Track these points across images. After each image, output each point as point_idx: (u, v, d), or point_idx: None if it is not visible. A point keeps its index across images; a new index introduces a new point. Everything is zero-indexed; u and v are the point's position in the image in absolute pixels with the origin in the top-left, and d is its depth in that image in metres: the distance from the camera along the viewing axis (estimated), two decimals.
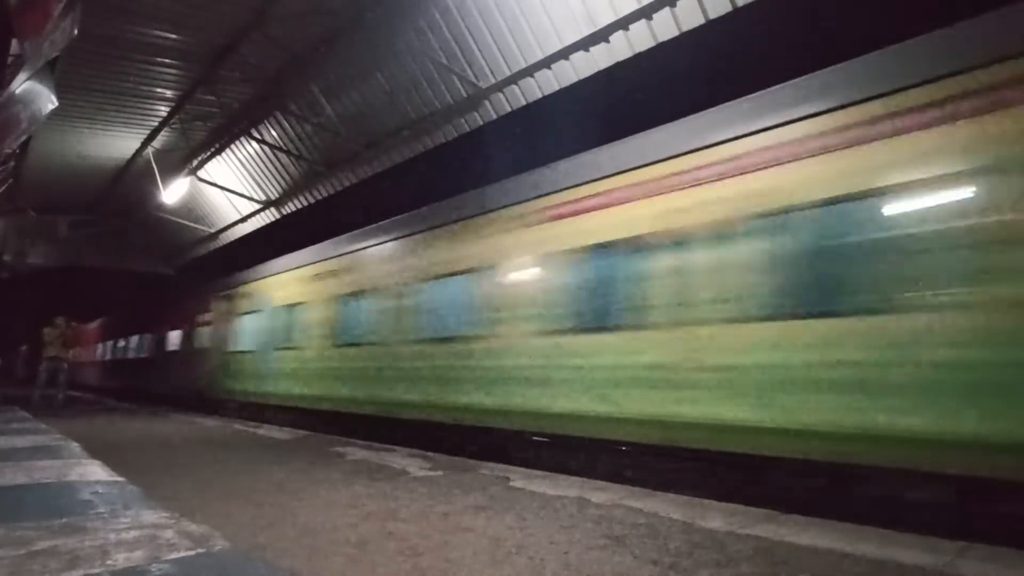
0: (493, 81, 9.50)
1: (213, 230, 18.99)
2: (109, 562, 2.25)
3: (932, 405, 3.75)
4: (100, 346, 24.10)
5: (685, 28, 7.58)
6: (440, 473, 4.98)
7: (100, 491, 3.65)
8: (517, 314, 6.48)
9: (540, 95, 9.41)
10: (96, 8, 8.28)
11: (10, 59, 5.23)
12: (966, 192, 3.81)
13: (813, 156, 4.46)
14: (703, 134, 5.18)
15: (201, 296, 14.10)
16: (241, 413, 11.89)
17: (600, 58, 8.42)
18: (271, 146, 13.74)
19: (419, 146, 11.77)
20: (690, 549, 2.83)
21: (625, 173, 5.70)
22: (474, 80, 9.64)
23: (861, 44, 4.46)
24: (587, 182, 6.04)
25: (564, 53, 8.54)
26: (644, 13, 7.60)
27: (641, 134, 5.83)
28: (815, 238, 4.42)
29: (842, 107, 4.36)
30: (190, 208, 17.77)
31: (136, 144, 14.06)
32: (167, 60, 10.60)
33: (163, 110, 12.51)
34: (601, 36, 8.10)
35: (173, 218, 17.68)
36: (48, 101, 4.91)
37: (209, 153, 14.51)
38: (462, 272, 7.28)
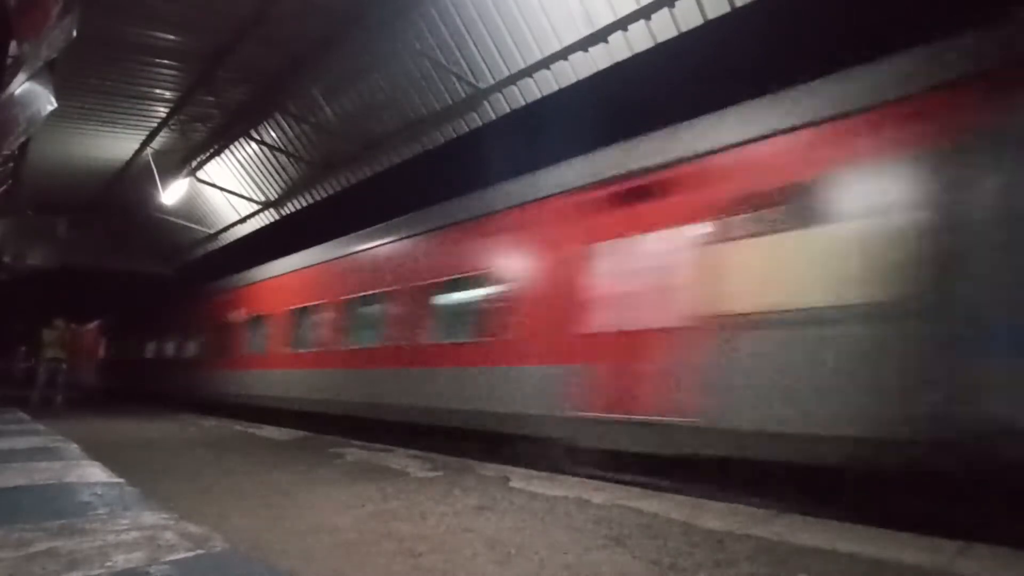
0: (492, 82, 9.49)
1: (212, 231, 18.99)
2: (108, 563, 2.25)
3: None
4: None
5: (684, 28, 7.59)
6: (440, 474, 4.98)
7: (99, 492, 3.64)
8: None
9: (539, 95, 9.41)
10: (95, 9, 8.26)
11: (9, 60, 5.22)
12: None
13: None
14: None
15: None
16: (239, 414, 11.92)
17: (599, 58, 8.42)
18: (270, 147, 13.73)
19: (418, 147, 11.77)
20: (690, 549, 2.83)
21: None
22: (473, 81, 9.64)
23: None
24: None
25: (563, 54, 8.54)
26: (643, 13, 7.60)
27: None
28: None
29: None
30: (189, 209, 17.76)
31: (135, 145, 14.05)
32: (166, 61, 10.59)
33: (162, 111, 12.50)
34: (600, 36, 8.09)
35: (172, 219, 17.66)
36: (47, 102, 4.91)
37: (208, 154, 14.50)
38: None
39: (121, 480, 4.09)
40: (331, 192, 14.55)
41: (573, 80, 8.89)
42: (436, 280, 7.63)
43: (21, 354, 32.57)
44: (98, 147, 14.09)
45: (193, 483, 4.54)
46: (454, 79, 9.84)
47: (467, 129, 10.78)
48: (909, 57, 4.16)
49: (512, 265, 6.63)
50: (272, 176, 15.06)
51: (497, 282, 6.70)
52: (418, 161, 12.20)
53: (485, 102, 9.99)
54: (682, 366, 4.75)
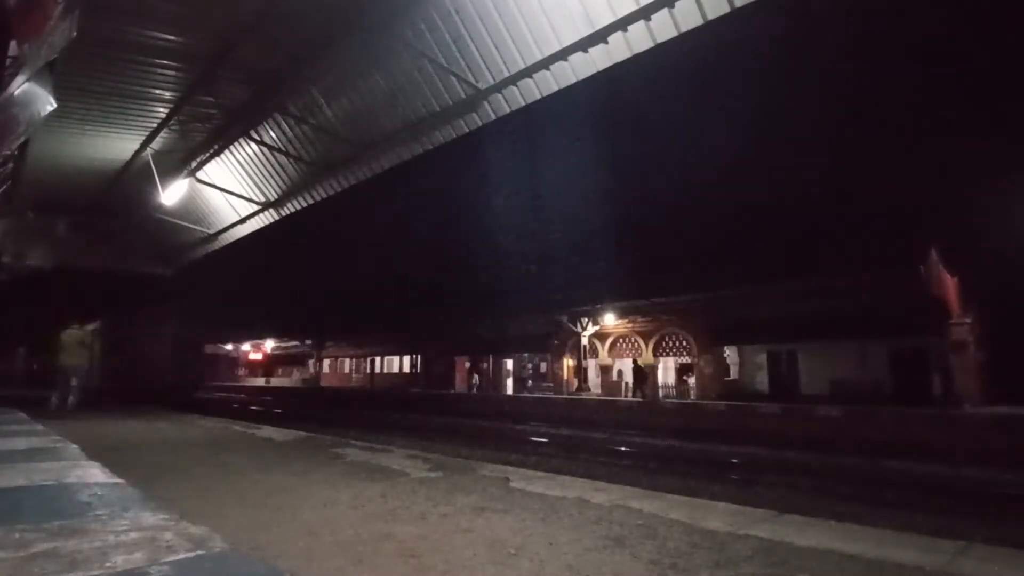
0: (492, 82, 9.50)
1: (212, 231, 18.99)
2: (108, 564, 2.24)
3: None
4: None
5: (684, 29, 7.59)
6: (439, 474, 4.98)
7: (99, 493, 3.63)
8: None
9: (539, 96, 9.41)
10: (95, 9, 8.26)
11: (8, 61, 5.22)
12: None
13: None
14: None
15: None
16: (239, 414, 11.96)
17: (599, 59, 8.42)
18: (270, 147, 13.73)
19: (418, 147, 11.77)
20: (690, 549, 2.83)
21: None
22: (472, 81, 9.64)
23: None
24: None
25: (563, 54, 8.54)
26: (643, 14, 7.60)
27: None
28: None
29: None
30: (189, 209, 17.76)
31: (135, 146, 14.05)
32: (166, 61, 10.59)
33: (162, 111, 12.50)
34: (600, 37, 8.09)
35: (172, 219, 17.66)
36: (46, 103, 4.90)
37: (208, 154, 14.50)
38: None
39: (121, 480, 4.08)
40: (331, 193, 14.55)
41: (573, 80, 8.88)
42: None
43: (20, 355, 32.51)
44: (98, 147, 14.09)
45: (193, 483, 4.54)
46: (454, 79, 9.84)
47: (467, 129, 10.78)
48: None
49: None
50: (272, 176, 15.06)
51: None
52: (418, 161, 12.20)
53: (485, 102, 9.99)
54: None
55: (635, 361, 24.70)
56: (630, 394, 24.22)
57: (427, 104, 10.65)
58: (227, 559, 2.43)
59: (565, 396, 24.80)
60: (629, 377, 25.22)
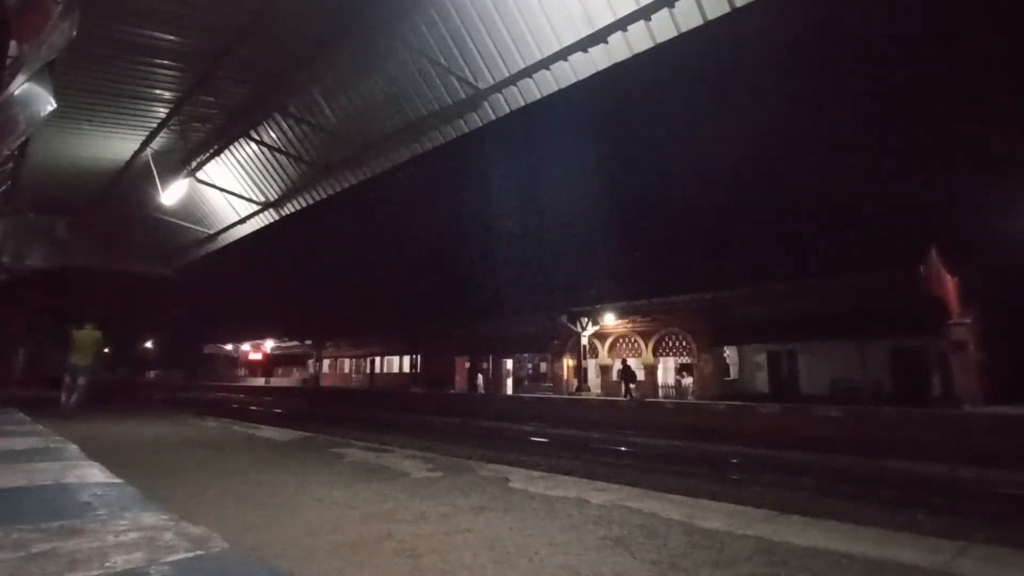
0: (492, 82, 9.51)
1: (212, 231, 19.00)
2: (108, 564, 2.24)
3: None
4: None
5: (684, 29, 7.59)
6: (439, 474, 4.98)
7: (99, 493, 3.63)
8: None
9: (539, 96, 9.42)
10: (95, 9, 8.28)
11: (8, 61, 5.22)
12: None
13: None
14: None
15: None
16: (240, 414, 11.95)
17: (599, 59, 8.42)
18: (270, 147, 13.74)
19: (418, 147, 11.78)
20: (689, 549, 2.83)
21: None
22: (472, 81, 9.64)
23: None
24: None
25: (563, 54, 8.56)
26: (643, 14, 7.61)
27: None
28: None
29: None
30: (189, 209, 17.78)
31: (135, 146, 14.07)
32: (166, 61, 10.60)
33: (162, 111, 12.52)
34: (600, 37, 8.10)
35: (172, 219, 17.68)
36: (47, 103, 4.90)
37: (208, 154, 14.52)
38: None
39: (120, 481, 4.08)
40: (331, 193, 14.56)
41: (573, 80, 8.90)
42: None
43: (23, 355, 32.52)
44: (98, 147, 14.10)
45: (193, 484, 4.54)
46: (454, 79, 9.85)
47: (467, 129, 10.79)
48: None
49: None
50: (272, 176, 15.06)
51: None
52: (418, 161, 12.21)
53: (485, 102, 10.00)
54: None
55: (624, 361, 24.75)
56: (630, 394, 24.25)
57: (427, 104, 10.66)
58: (227, 559, 2.42)
59: (565, 396, 24.79)
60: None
